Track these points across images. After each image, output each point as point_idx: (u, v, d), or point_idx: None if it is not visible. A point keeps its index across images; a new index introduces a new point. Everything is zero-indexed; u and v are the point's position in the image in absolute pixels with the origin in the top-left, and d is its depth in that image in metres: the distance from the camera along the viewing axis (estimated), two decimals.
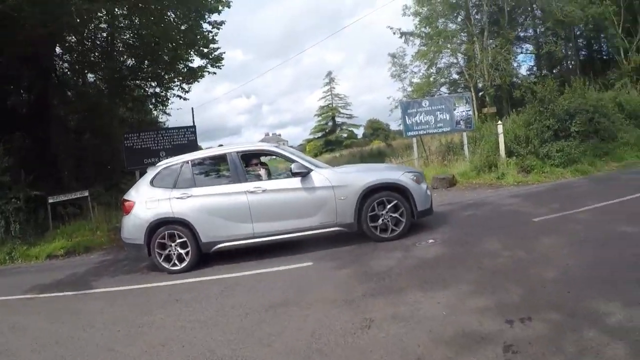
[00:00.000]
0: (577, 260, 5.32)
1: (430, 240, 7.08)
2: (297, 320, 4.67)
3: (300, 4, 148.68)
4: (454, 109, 14.54)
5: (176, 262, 7.36)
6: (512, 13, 30.46)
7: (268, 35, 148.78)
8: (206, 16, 17.52)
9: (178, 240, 7.32)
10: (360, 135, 74.19)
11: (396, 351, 3.71)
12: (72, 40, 17.16)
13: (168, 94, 20.95)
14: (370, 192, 7.31)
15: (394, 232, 7.35)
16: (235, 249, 7.49)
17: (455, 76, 34.01)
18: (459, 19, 31.60)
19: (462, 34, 31.99)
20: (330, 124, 74.33)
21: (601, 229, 6.61)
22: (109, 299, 6.63)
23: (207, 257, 7.52)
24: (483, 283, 4.94)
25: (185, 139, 14.66)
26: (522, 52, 33.93)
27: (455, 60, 32.89)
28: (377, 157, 29.55)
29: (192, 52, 18.63)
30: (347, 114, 73.95)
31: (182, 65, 19.26)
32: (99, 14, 14.78)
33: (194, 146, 14.15)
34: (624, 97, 16.05)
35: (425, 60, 32.25)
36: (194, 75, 19.58)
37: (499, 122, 13.72)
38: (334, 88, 74.17)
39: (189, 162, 7.74)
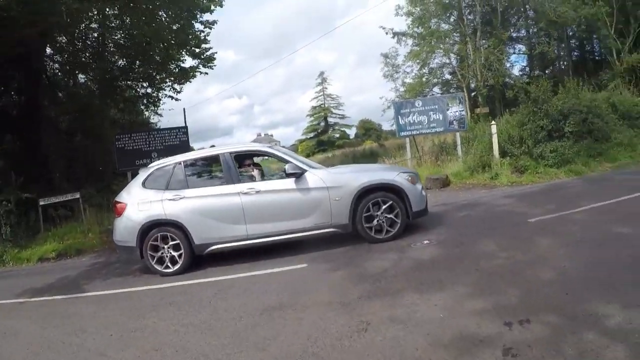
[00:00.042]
0: (573, 261, 5.30)
1: (426, 241, 7.04)
2: (292, 323, 4.61)
3: (292, 5, 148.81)
4: (447, 109, 14.51)
5: (169, 264, 7.29)
6: (505, 13, 30.52)
7: (260, 35, 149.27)
8: (198, 16, 17.40)
9: (171, 243, 7.25)
10: (352, 136, 74.47)
11: (394, 355, 3.65)
12: (63, 41, 17.05)
13: (160, 94, 20.89)
14: (365, 193, 7.27)
15: (389, 233, 7.31)
16: (229, 251, 7.41)
17: (448, 76, 34.08)
18: (451, 19, 31.59)
19: (454, 34, 32.01)
20: (322, 124, 74.47)
21: (597, 229, 6.59)
22: (101, 302, 6.53)
23: (200, 259, 7.45)
24: (480, 285, 4.90)
25: (177, 140, 14.56)
26: (514, 53, 34.07)
27: (447, 61, 32.93)
28: (370, 157, 29.51)
29: (183, 52, 18.50)
30: (339, 114, 74.31)
31: (173, 66, 19.13)
32: (89, 13, 14.67)
33: (185, 147, 14.07)
34: (617, 97, 16.09)
35: (417, 61, 32.25)
36: (185, 75, 19.46)
37: (493, 122, 13.74)
38: (326, 88, 74.48)
39: (182, 163, 7.66)
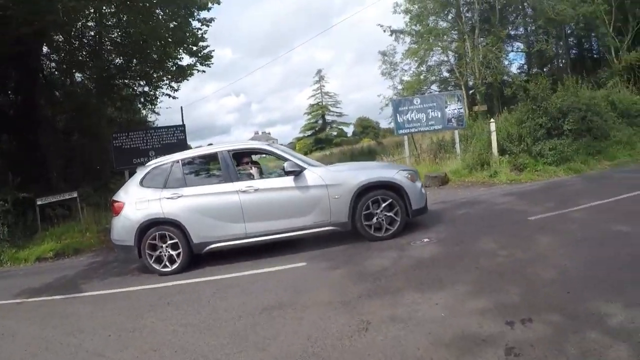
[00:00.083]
0: (574, 260, 5.27)
1: (425, 240, 7.00)
2: (292, 323, 4.57)
3: (289, 2, 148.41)
4: (446, 107, 14.50)
5: (167, 263, 7.24)
6: (503, 11, 30.53)
7: (257, 33, 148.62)
8: (195, 13, 17.38)
9: (169, 242, 7.19)
10: (350, 134, 74.31)
11: (395, 355, 3.62)
12: (60, 39, 16.99)
13: (157, 92, 20.85)
14: (365, 191, 7.22)
15: (389, 231, 7.28)
16: (228, 250, 7.37)
17: (446, 74, 34.06)
18: (449, 17, 31.60)
19: (452, 31, 32.04)
20: (320, 122, 74.33)
21: (597, 228, 6.57)
22: (98, 302, 6.48)
23: (198, 258, 7.41)
24: (481, 283, 4.87)
25: (174, 138, 14.51)
26: (512, 51, 34.04)
27: (445, 58, 33.01)
28: (368, 155, 29.54)
29: (181, 50, 18.50)
30: (337, 112, 74.07)
31: (171, 64, 19.12)
32: (86, 12, 14.61)
33: (183, 145, 14.02)
34: (616, 95, 16.06)
35: (415, 58, 32.31)
36: (183, 73, 19.45)
37: (492, 120, 13.71)
38: (323, 86, 74.26)
39: (180, 161, 7.61)
